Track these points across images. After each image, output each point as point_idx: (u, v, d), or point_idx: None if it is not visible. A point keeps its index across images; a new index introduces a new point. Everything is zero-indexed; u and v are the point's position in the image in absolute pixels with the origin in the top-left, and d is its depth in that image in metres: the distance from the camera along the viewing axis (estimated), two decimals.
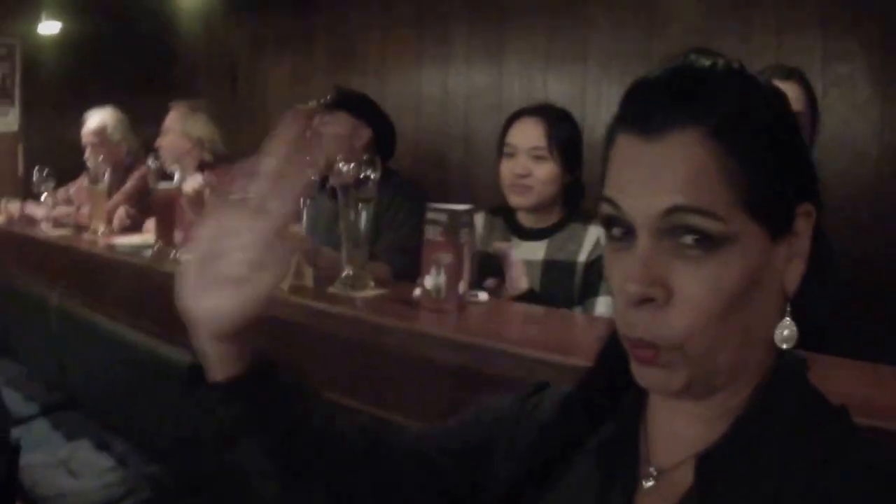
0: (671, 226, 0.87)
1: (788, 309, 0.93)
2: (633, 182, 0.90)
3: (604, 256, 0.98)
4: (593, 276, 2.60)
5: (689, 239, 0.86)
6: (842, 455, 0.87)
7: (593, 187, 2.24)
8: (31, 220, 4.58)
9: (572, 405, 1.11)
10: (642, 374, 0.93)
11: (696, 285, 0.86)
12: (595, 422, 1.07)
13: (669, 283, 0.87)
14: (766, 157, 0.88)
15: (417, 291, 2.26)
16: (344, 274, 2.44)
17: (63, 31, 5.46)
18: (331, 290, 2.42)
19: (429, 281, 2.19)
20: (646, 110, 0.91)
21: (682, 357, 0.88)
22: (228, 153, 4.36)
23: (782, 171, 0.90)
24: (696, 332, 0.87)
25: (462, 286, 2.20)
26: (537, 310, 2.39)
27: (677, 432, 0.97)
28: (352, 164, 2.36)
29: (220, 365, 0.97)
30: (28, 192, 4.79)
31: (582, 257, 2.65)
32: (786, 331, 0.92)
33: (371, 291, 2.42)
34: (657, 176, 0.88)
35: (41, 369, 4.09)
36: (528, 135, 2.72)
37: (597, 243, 2.62)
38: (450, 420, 1.25)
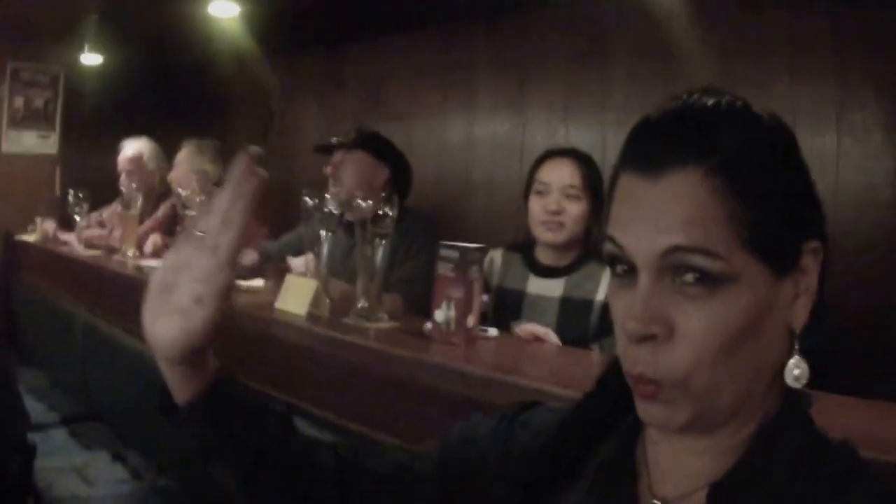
0: (672, 265, 0.86)
1: (796, 346, 0.92)
2: (634, 221, 0.90)
3: (608, 293, 0.98)
4: (610, 315, 2.54)
5: (690, 278, 0.86)
6: (851, 487, 0.86)
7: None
8: (64, 243, 4.74)
9: (569, 428, 1.10)
10: (645, 410, 0.92)
11: (697, 323, 0.86)
12: (591, 447, 1.07)
13: (671, 320, 0.87)
14: (769, 194, 0.87)
15: (428, 324, 2.30)
16: (359, 305, 2.50)
17: (105, 64, 5.56)
18: (345, 320, 2.47)
19: (439, 314, 2.23)
20: (647, 150, 0.91)
21: (685, 394, 0.88)
22: None
23: (786, 209, 0.89)
24: (699, 369, 0.86)
25: (471, 320, 2.23)
26: (546, 345, 2.42)
27: (683, 464, 0.96)
28: (369, 201, 2.43)
29: (178, 387, 1.03)
30: (63, 214, 4.92)
31: (599, 296, 2.66)
32: (796, 370, 0.91)
33: (384, 323, 2.47)
34: (658, 215, 0.87)
35: (65, 381, 4.22)
36: (562, 173, 2.75)
37: None
38: (430, 442, 1.25)
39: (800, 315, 0.91)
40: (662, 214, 0.87)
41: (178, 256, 0.99)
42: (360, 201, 2.45)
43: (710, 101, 0.92)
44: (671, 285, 0.87)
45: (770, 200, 0.88)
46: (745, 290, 0.86)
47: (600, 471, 1.04)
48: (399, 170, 3.62)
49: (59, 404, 4.03)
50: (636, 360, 0.90)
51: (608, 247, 0.94)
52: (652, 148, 0.91)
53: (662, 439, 1.00)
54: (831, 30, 3.01)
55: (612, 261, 0.94)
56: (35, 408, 3.83)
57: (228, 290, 0.98)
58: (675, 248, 0.86)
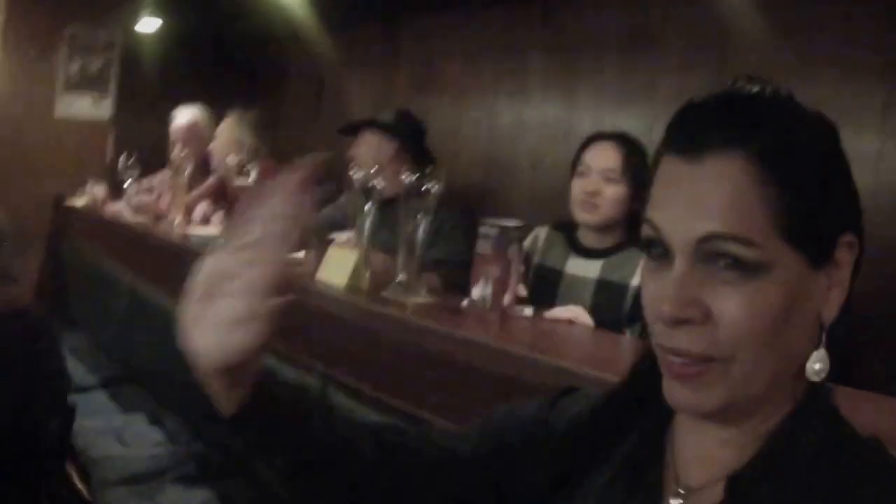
0: (708, 251, 0.86)
1: (824, 338, 0.91)
2: (672, 205, 0.90)
3: (642, 274, 0.98)
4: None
5: (724, 263, 0.85)
6: (876, 483, 0.86)
7: None
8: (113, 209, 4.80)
9: (599, 416, 1.09)
10: (675, 393, 0.91)
11: (734, 307, 0.85)
12: (620, 435, 1.06)
13: (706, 304, 0.86)
14: (808, 184, 0.87)
15: (465, 301, 2.31)
16: (398, 279, 2.50)
17: (162, 30, 5.62)
18: (385, 293, 2.48)
19: (476, 292, 2.25)
20: (689, 133, 0.91)
21: (723, 375, 0.87)
22: (270, 156, 4.53)
23: (825, 200, 0.88)
24: (743, 350, 0.86)
25: (507, 299, 2.24)
26: (579, 327, 2.40)
27: (707, 455, 0.96)
28: (414, 176, 2.42)
29: (220, 398, 0.96)
30: (114, 179, 4.97)
31: (635, 281, 2.65)
32: (818, 363, 0.90)
33: (422, 298, 2.47)
34: (696, 200, 0.87)
35: (106, 344, 4.28)
36: (603, 156, 2.77)
37: None
38: (472, 425, 1.24)
39: (831, 308, 0.91)
40: (701, 199, 0.87)
41: (224, 261, 0.91)
42: (403, 176, 2.44)
43: (755, 88, 0.92)
44: (706, 270, 0.87)
45: (809, 190, 0.87)
46: (779, 279, 0.85)
47: (627, 458, 1.03)
48: (411, 141, 3.66)
49: (100, 367, 4.11)
50: (675, 341, 0.89)
51: (645, 229, 0.94)
52: (694, 131, 0.91)
53: (688, 427, 1.00)
54: (883, 30, 2.96)
55: (649, 244, 0.93)
56: (77, 370, 3.91)
57: (277, 313, 0.90)
58: (712, 235, 0.85)
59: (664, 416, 1.02)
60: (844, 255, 0.90)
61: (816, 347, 0.91)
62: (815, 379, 0.91)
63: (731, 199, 0.86)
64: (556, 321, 2.47)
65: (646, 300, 0.94)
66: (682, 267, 0.88)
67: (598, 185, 2.74)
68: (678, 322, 0.87)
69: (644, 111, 3.68)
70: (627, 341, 2.36)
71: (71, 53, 5.68)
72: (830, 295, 0.90)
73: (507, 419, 1.20)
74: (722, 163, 0.87)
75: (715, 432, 0.95)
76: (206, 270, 0.91)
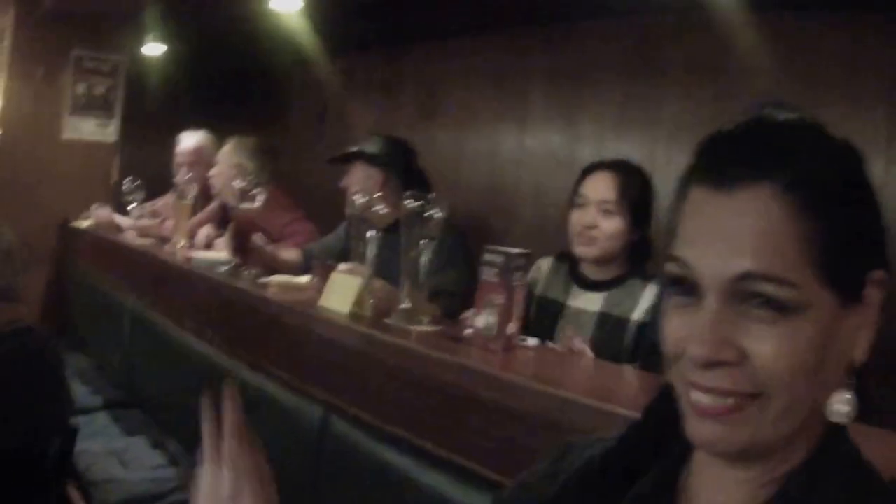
0: (742, 290, 0.83)
1: (851, 381, 0.87)
2: (704, 240, 0.86)
3: (661, 310, 0.93)
4: (646, 336, 2.55)
5: (759, 303, 0.82)
6: None
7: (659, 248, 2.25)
8: (117, 228, 4.82)
9: (612, 459, 1.04)
10: (701, 428, 0.87)
11: (770, 347, 0.82)
12: (634, 478, 1.01)
13: (740, 344, 0.83)
14: (842, 217, 0.84)
15: (469, 329, 2.29)
16: (402, 307, 2.49)
17: (167, 55, 5.65)
18: (388, 320, 2.48)
19: (480, 320, 2.22)
20: (720, 163, 0.87)
21: (759, 411, 0.84)
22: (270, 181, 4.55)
23: (857, 235, 0.85)
24: (780, 386, 0.82)
25: (512, 327, 2.22)
26: (582, 358, 2.40)
27: (723, 495, 0.92)
28: (415, 202, 2.42)
29: None
30: (119, 201, 4.99)
31: (637, 315, 2.62)
32: (845, 406, 0.87)
33: (425, 326, 2.46)
34: (730, 235, 0.84)
35: (110, 367, 4.30)
36: (599, 188, 2.72)
37: (654, 304, 2.57)
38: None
39: (862, 350, 0.88)
40: (735, 234, 0.84)
41: (217, 485, 1.09)
42: (406, 202, 2.44)
43: (786, 116, 0.90)
44: (738, 308, 0.84)
45: (843, 224, 0.84)
46: (814, 319, 0.82)
47: (639, 501, 0.99)
48: (400, 167, 3.71)
49: (103, 389, 4.12)
50: (703, 377, 0.86)
51: (672, 267, 0.89)
52: (725, 161, 0.87)
53: (704, 468, 0.96)
54: (887, 54, 2.96)
55: (675, 281, 0.89)
56: (80, 392, 3.93)
57: None
58: (748, 275, 0.82)
59: (679, 456, 1.00)
60: (874, 292, 0.88)
61: (843, 389, 0.88)
62: (844, 421, 0.88)
63: (766, 235, 0.82)
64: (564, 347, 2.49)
65: (670, 337, 0.90)
66: (714, 306, 0.84)
67: (594, 218, 2.70)
68: (711, 364, 0.84)
69: (646, 138, 3.69)
70: (632, 373, 2.33)
71: (77, 76, 5.71)
72: (860, 335, 0.88)
73: (519, 491, 1.17)
74: (753, 195, 0.84)
75: (732, 472, 0.91)
76: (202, 493, 1.08)
